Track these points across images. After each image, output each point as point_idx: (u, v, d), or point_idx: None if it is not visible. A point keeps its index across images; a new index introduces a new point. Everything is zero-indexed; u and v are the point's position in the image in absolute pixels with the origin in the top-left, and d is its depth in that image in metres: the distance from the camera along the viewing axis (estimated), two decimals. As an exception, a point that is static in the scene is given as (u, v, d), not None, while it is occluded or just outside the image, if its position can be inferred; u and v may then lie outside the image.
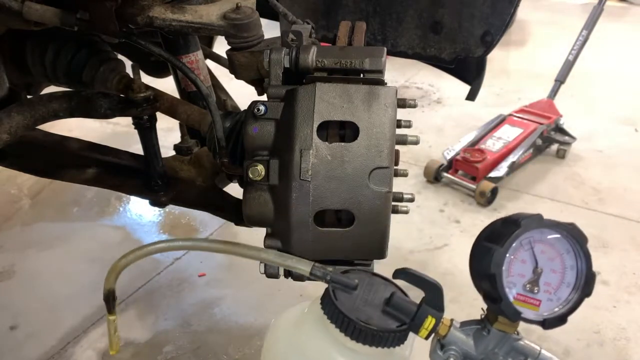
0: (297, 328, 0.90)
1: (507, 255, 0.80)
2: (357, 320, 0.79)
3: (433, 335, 0.83)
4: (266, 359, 0.94)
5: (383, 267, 2.43)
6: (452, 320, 0.85)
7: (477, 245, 0.85)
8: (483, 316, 0.86)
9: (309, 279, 1.07)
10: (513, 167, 2.84)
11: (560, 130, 3.13)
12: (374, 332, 0.79)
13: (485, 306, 0.85)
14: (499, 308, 0.80)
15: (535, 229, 0.80)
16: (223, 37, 1.17)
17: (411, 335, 0.84)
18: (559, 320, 0.81)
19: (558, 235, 0.82)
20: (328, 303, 0.82)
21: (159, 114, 1.38)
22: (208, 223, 2.58)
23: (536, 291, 0.81)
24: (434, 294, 0.82)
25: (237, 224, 1.50)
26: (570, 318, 0.82)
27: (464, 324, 0.87)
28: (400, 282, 0.89)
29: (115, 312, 1.02)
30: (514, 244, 0.80)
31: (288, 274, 1.06)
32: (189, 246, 0.94)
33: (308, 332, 0.87)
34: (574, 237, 0.82)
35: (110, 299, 1.02)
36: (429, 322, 0.81)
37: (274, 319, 0.97)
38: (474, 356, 0.84)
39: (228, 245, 0.88)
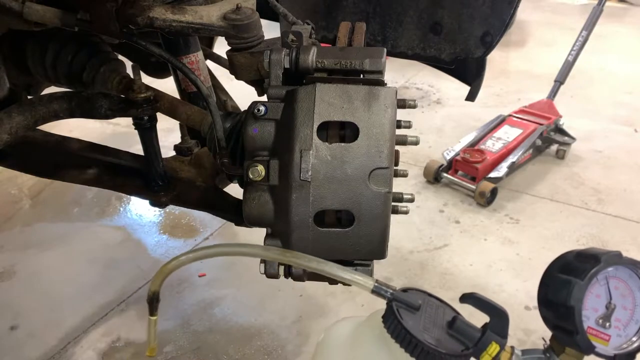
0: (353, 344, 0.89)
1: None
2: (425, 341, 0.79)
3: None
4: None
5: (383, 267, 2.43)
6: (512, 347, 0.84)
7: (551, 276, 0.85)
8: (546, 346, 0.86)
9: (309, 280, 1.08)
10: (513, 168, 2.84)
11: (560, 130, 3.13)
12: (441, 355, 0.79)
13: (547, 337, 0.85)
14: (572, 340, 0.81)
15: (614, 265, 0.82)
16: (223, 38, 1.17)
17: None
18: (629, 356, 0.82)
19: (633, 273, 0.83)
20: (393, 322, 0.81)
21: (159, 115, 1.38)
22: (208, 223, 2.58)
23: (607, 326, 0.82)
24: (499, 320, 0.82)
25: (237, 224, 1.50)
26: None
27: (525, 352, 0.86)
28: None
29: (157, 313, 1.00)
30: (594, 278, 0.81)
31: (288, 274, 1.06)
32: (241, 252, 0.91)
33: (366, 349, 0.86)
34: None
35: (153, 300, 1.00)
36: (493, 348, 0.81)
37: (323, 332, 0.96)
38: None
39: (286, 254, 0.85)
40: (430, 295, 0.88)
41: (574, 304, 0.80)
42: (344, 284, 0.85)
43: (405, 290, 0.86)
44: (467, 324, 0.83)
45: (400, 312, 0.82)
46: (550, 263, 0.87)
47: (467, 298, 0.84)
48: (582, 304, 0.80)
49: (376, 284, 0.83)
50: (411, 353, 0.79)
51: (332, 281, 1.08)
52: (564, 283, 0.81)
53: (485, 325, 0.83)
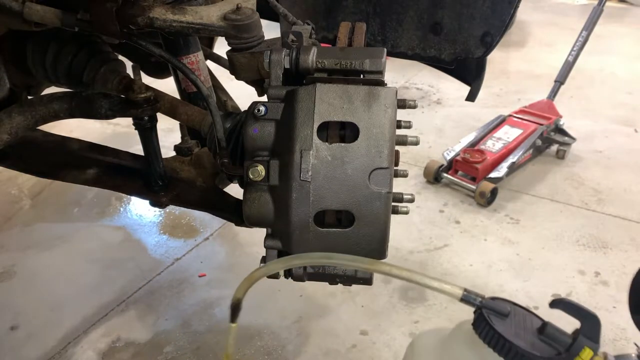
0: (442, 353, 0.91)
1: None
2: (519, 345, 0.80)
3: None
4: None
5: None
6: (605, 353, 0.83)
7: None
8: (639, 352, 0.86)
9: (309, 280, 1.08)
10: (513, 168, 2.84)
11: (560, 130, 3.13)
12: (536, 359, 0.80)
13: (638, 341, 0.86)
14: None
15: None
16: (224, 38, 1.17)
17: None
18: None
19: None
20: (485, 327, 0.83)
21: (159, 115, 1.38)
22: (208, 223, 2.58)
23: None
24: (591, 325, 0.82)
25: (237, 224, 1.50)
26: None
27: (619, 357, 0.85)
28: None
29: (237, 321, 1.02)
30: None
31: (288, 274, 1.06)
32: (330, 262, 0.92)
33: (457, 355, 0.88)
34: None
35: (237, 308, 1.02)
36: (586, 353, 0.81)
37: (412, 341, 0.98)
38: None
39: (376, 264, 0.87)
40: (515, 304, 0.89)
41: None
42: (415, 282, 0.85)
43: (492, 299, 0.88)
44: (558, 329, 0.84)
45: (491, 318, 0.83)
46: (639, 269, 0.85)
47: (557, 304, 0.84)
48: None
49: (465, 292, 0.84)
50: (505, 356, 0.81)
51: (332, 281, 1.09)
52: None
53: (576, 331, 0.83)
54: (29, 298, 2.17)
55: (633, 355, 0.86)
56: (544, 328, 0.83)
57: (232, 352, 1.07)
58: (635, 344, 0.86)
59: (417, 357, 0.95)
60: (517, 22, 5.07)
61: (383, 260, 0.90)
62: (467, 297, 0.84)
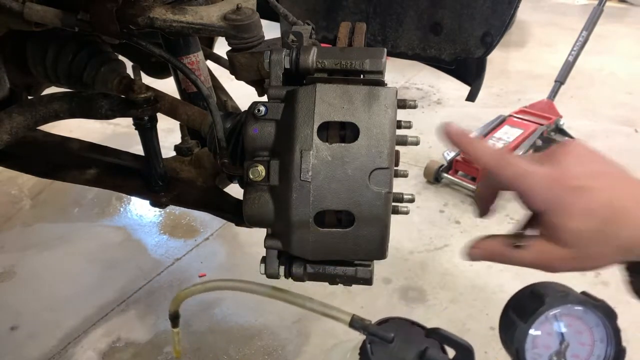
0: None
1: (531, 330, 0.80)
2: None
3: None
4: None
5: (383, 268, 2.43)
6: None
7: (505, 313, 0.86)
8: None
9: (309, 280, 1.08)
10: (513, 168, 2.84)
11: (560, 130, 3.13)
12: None
13: None
14: None
15: (560, 305, 0.81)
16: (223, 38, 1.17)
17: None
18: None
19: (586, 310, 0.82)
20: (365, 356, 0.87)
21: (159, 115, 1.38)
22: (208, 223, 2.58)
23: None
24: (464, 355, 0.84)
25: (237, 224, 1.50)
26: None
27: None
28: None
29: (179, 326, 1.17)
30: (537, 320, 0.80)
31: (288, 274, 1.06)
32: (241, 288, 1.00)
33: None
34: (603, 313, 0.83)
35: (174, 317, 1.14)
36: None
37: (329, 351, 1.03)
38: None
39: (275, 291, 0.93)
40: (413, 323, 0.90)
41: (517, 346, 0.80)
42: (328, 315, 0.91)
43: (385, 320, 0.90)
44: (437, 355, 0.86)
45: (372, 346, 0.87)
46: (511, 296, 0.87)
47: (432, 333, 0.86)
48: (530, 343, 0.80)
49: (352, 319, 0.86)
50: None
51: (333, 281, 1.09)
52: (511, 323, 0.82)
53: (453, 358, 0.86)
54: (29, 298, 2.17)
55: None
56: (424, 353, 0.86)
57: (179, 348, 1.21)
58: None
59: None
60: (517, 22, 5.07)
61: (282, 288, 0.94)
62: (355, 323, 0.86)
